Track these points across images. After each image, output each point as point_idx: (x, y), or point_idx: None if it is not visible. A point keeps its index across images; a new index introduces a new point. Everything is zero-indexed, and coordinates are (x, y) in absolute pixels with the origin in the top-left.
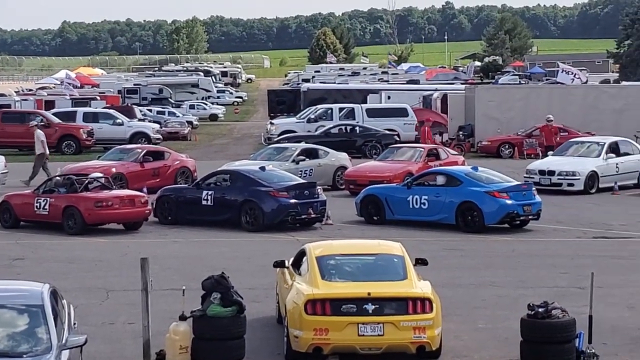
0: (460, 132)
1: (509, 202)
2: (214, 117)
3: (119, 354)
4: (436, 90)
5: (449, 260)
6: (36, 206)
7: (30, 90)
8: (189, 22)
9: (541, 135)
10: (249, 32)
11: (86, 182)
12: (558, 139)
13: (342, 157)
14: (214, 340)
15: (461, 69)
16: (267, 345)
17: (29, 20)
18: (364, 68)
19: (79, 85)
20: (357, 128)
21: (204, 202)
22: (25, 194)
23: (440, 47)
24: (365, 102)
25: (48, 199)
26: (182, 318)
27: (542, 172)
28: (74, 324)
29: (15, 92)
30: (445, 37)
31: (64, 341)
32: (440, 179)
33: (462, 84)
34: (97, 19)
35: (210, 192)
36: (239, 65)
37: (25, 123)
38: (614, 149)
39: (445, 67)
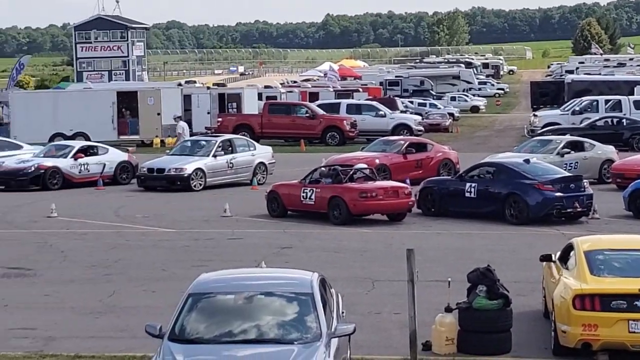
0: None
1: None
2: (475, 109)
3: (385, 343)
4: None
5: None
6: (302, 196)
7: (295, 82)
8: (451, 14)
9: None
10: (511, 23)
11: (351, 172)
12: None
13: (609, 150)
14: (480, 333)
15: None
16: (533, 339)
17: (293, 14)
18: (630, 59)
19: (339, 78)
20: (624, 120)
21: (467, 194)
22: (292, 184)
23: None
24: (632, 94)
25: (314, 189)
26: (448, 310)
27: None
28: (342, 312)
29: (281, 84)
30: None
31: (333, 329)
32: None
33: None
34: (359, 11)
35: (473, 185)
36: (501, 57)
37: (291, 114)
38: None
39: None
